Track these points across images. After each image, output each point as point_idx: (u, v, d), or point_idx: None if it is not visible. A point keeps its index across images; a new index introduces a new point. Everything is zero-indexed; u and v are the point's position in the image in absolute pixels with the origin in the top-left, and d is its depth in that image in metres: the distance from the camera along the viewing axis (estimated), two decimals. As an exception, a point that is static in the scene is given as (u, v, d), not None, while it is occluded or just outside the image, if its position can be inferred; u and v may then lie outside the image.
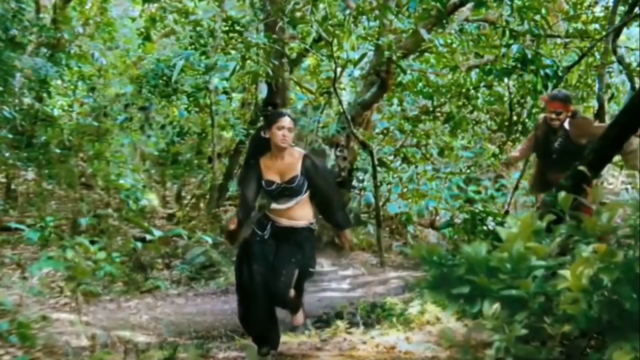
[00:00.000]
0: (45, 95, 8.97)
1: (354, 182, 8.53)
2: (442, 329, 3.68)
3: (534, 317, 2.49)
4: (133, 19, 10.07)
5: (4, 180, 8.83)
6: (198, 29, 8.12)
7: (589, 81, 7.91)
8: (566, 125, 4.96)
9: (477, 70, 8.00)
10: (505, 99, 8.02)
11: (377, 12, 6.63)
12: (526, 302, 2.47)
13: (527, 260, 2.56)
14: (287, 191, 3.65)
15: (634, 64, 6.93)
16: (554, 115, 4.93)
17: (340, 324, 4.35)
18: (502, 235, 2.66)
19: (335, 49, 6.99)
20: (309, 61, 9.80)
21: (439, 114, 8.63)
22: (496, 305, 2.47)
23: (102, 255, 4.77)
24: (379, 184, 7.82)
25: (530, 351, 2.51)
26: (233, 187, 8.71)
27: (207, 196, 8.93)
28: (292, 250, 3.65)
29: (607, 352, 2.35)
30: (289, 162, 3.66)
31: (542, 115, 5.29)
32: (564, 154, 4.92)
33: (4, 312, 4.13)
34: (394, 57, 6.74)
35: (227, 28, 8.09)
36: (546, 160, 5.10)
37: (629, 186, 9.87)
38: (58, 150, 8.28)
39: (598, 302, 2.38)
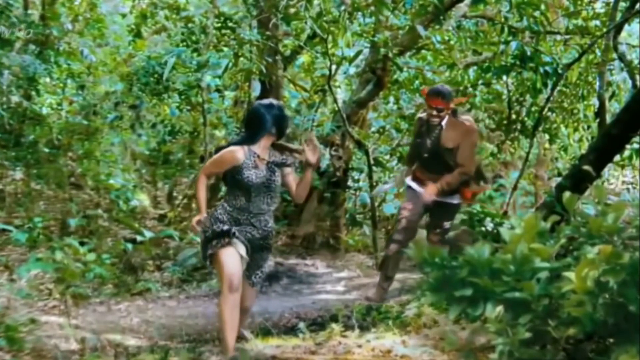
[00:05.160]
0: (33, 93, 8.83)
1: (350, 182, 8.47)
2: (445, 332, 3.61)
3: (538, 320, 2.45)
4: (123, 15, 9.95)
5: (-9, 180, 8.70)
6: (190, 25, 8.01)
7: (590, 79, 7.82)
8: (444, 124, 4.74)
9: (475, 67, 7.92)
10: (504, 97, 7.96)
11: (372, 8, 6.59)
12: (530, 305, 2.43)
13: (531, 262, 2.51)
14: None
15: (636, 61, 6.86)
16: (434, 112, 4.70)
17: (335, 327, 4.27)
18: (505, 237, 2.61)
19: (330, 46, 6.91)
20: (303, 58, 9.71)
21: (435, 113, 8.55)
22: (499, 308, 2.42)
23: (91, 256, 4.69)
24: (374, 183, 7.76)
25: (534, 355, 2.47)
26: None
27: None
28: None
29: (613, 355, 2.32)
30: None
31: (423, 112, 5.02)
32: (434, 156, 4.75)
33: (-9, 315, 4.05)
34: (390, 55, 6.68)
35: (219, 25, 7.99)
36: (419, 158, 4.89)
37: (630, 186, 9.83)
38: (47, 150, 8.16)
39: (603, 304, 2.33)
